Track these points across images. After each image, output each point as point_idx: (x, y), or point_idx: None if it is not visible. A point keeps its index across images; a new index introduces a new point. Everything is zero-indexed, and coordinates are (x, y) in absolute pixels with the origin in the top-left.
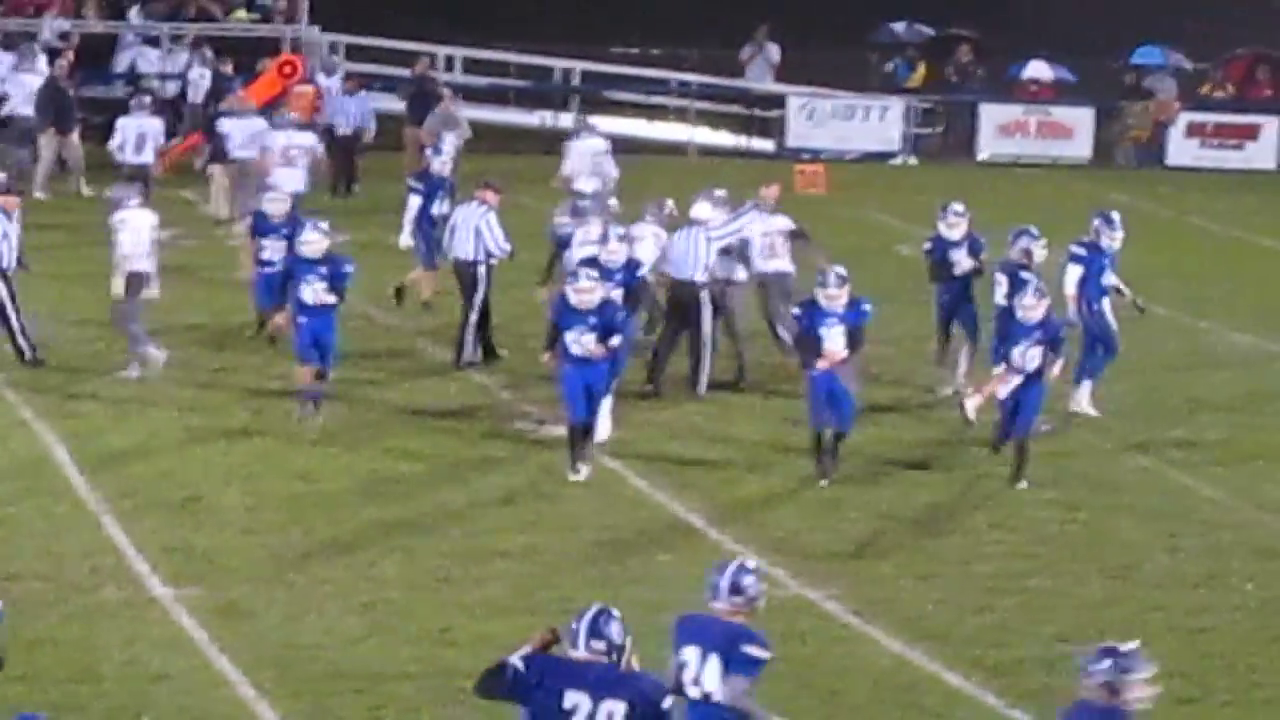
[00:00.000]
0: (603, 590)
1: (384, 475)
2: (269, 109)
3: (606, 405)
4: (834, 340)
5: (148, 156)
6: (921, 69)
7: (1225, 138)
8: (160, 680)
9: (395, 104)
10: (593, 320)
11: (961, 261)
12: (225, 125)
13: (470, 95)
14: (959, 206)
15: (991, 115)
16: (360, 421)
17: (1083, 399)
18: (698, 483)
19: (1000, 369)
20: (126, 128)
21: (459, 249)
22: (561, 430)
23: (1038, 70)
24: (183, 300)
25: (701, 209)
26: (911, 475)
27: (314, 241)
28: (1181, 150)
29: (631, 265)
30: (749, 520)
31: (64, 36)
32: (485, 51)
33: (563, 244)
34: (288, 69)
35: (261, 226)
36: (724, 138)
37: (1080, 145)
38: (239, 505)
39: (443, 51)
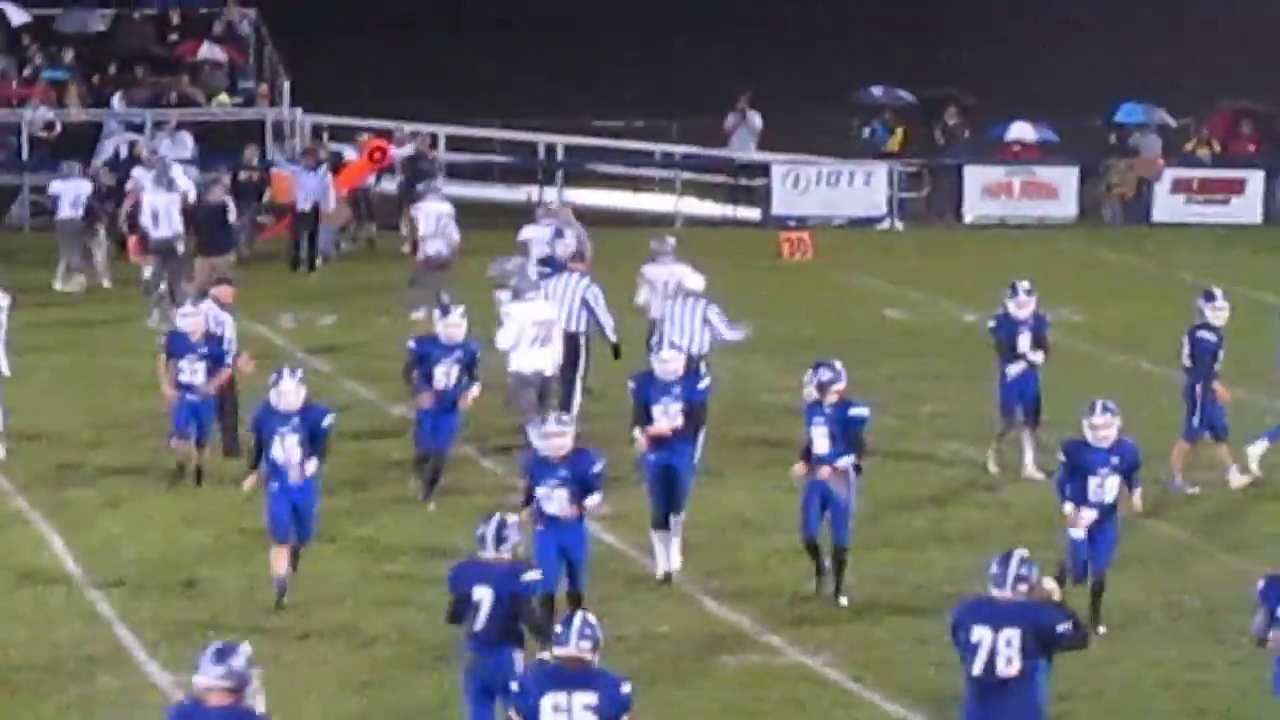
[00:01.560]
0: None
1: (379, 553)
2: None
3: (678, 530)
4: (820, 442)
5: (166, 230)
6: (899, 133)
7: (1210, 193)
8: None
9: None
10: (563, 473)
11: (1030, 351)
12: (55, 187)
13: (454, 172)
14: (1027, 285)
15: (976, 177)
16: (355, 500)
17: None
18: (693, 551)
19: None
20: (150, 204)
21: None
22: None
23: (1021, 131)
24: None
25: (695, 280)
26: (907, 538)
27: (290, 392)
28: (1167, 206)
29: (693, 378)
30: (746, 587)
31: (48, 126)
32: (468, 129)
33: (420, 359)
34: (378, 154)
35: (177, 345)
36: (710, 208)
37: (1066, 205)
38: (235, 588)
39: (425, 129)
